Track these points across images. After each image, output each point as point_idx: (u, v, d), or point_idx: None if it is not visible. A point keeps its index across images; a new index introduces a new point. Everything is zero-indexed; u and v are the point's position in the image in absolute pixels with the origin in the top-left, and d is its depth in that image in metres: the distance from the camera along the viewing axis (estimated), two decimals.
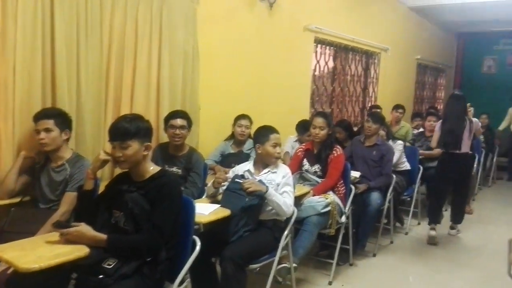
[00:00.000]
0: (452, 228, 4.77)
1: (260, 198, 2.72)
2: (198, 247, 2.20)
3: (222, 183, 2.81)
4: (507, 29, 7.21)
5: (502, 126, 7.74)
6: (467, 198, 5.01)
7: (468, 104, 4.47)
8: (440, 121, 4.53)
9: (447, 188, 4.63)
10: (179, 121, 3.07)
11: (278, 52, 4.46)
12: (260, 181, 2.83)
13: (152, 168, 2.16)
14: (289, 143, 4.43)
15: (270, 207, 2.81)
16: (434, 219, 4.54)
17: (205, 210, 2.58)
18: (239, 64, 4.03)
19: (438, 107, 9.46)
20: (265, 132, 3.02)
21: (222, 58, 3.86)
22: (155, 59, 3.16)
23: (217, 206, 2.70)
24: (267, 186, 2.73)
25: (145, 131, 2.10)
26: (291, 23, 4.55)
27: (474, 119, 4.52)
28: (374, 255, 4.06)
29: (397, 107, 6.01)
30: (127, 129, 2.03)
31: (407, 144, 5.26)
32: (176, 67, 3.31)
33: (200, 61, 3.52)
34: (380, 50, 6.51)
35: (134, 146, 2.03)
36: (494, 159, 7.34)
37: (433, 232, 4.47)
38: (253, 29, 4.09)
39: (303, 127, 4.27)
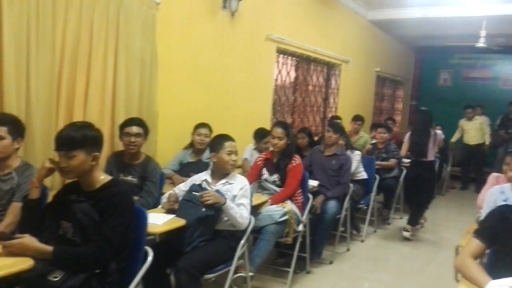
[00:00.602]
0: (406, 230, 4.98)
1: (217, 209, 2.71)
2: (150, 258, 2.16)
3: (174, 205, 2.79)
4: (461, 44, 7.53)
5: (454, 138, 8.06)
6: (429, 203, 5.32)
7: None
8: (409, 133, 5.10)
9: (416, 192, 5.06)
10: (134, 129, 3.00)
11: (240, 61, 4.47)
12: (217, 191, 2.82)
13: (103, 178, 2.11)
14: (248, 151, 4.44)
15: (227, 218, 2.81)
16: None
17: (159, 220, 2.54)
18: (200, 72, 4.01)
19: (396, 119, 9.77)
20: (219, 140, 3.01)
21: (182, 66, 3.83)
22: (111, 65, 3.09)
23: (171, 216, 2.67)
24: (225, 198, 2.73)
25: (93, 140, 2.03)
26: (253, 32, 4.59)
27: (438, 131, 5.02)
28: (331, 263, 4.12)
29: (356, 118, 6.17)
30: (73, 138, 1.96)
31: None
32: (133, 74, 3.24)
33: (159, 68, 3.47)
34: (341, 62, 6.65)
35: (79, 157, 1.97)
36: (448, 169, 7.62)
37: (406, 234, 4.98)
38: (215, 37, 4.09)
39: (260, 135, 4.30)
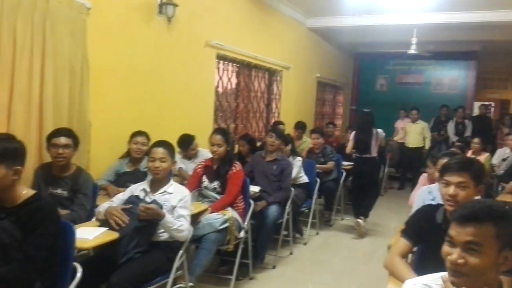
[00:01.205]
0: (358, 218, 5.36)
1: (154, 222, 2.65)
2: (78, 275, 2.07)
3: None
4: (396, 51, 7.89)
5: (398, 138, 8.49)
6: (376, 195, 5.82)
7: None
8: (354, 132, 5.54)
9: (362, 184, 5.44)
10: (62, 140, 2.85)
11: (178, 67, 4.41)
12: (154, 201, 2.76)
13: (25, 192, 1.99)
14: (178, 160, 4.35)
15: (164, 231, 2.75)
16: (357, 212, 5.48)
17: (90, 235, 2.43)
18: (137, 78, 3.91)
19: (337, 123, 10.06)
20: (150, 148, 2.97)
21: (117, 72, 3.72)
22: (37, 74, 2.92)
23: (104, 229, 2.56)
24: (164, 213, 2.66)
25: (14, 154, 1.92)
26: (191, 38, 4.54)
27: (379, 130, 5.46)
28: (274, 267, 4.15)
29: (297, 126, 6.31)
30: None
31: None
32: (62, 82, 3.09)
33: (91, 75, 3.34)
34: (282, 68, 6.75)
35: (0, 171, 1.86)
36: (386, 170, 7.94)
37: (359, 221, 5.29)
38: (151, 43, 4.01)
39: (184, 142, 4.17)
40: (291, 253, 4.56)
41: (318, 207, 5.76)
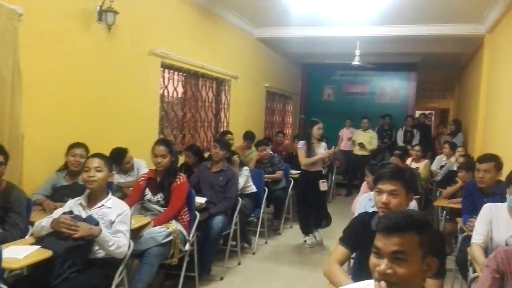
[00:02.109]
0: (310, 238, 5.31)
1: (89, 240, 2.53)
2: None
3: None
4: (342, 62, 8.12)
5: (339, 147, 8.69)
6: (326, 208, 5.50)
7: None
8: (303, 141, 5.23)
9: (310, 198, 5.19)
10: None
11: (120, 76, 4.28)
12: (89, 216, 2.64)
13: None
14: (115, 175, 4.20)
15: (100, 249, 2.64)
16: (308, 229, 5.32)
17: (20, 254, 2.29)
18: (75, 88, 3.75)
19: (286, 132, 10.20)
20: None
21: (54, 81, 3.55)
22: None
23: (36, 247, 2.42)
24: (100, 230, 2.55)
25: None
26: (133, 46, 4.43)
27: (322, 143, 5.28)
28: (221, 279, 4.10)
29: (246, 136, 6.32)
30: None
31: None
32: None
33: (23, 84, 3.15)
34: (230, 77, 6.75)
35: None
36: (333, 177, 8.11)
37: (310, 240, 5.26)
38: (90, 52, 3.87)
39: (116, 157, 3.91)
40: (239, 264, 4.53)
41: (267, 216, 5.79)
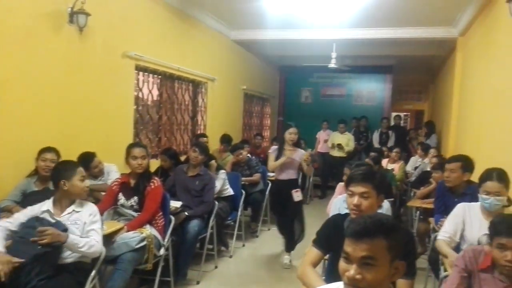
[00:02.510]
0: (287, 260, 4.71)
1: (57, 246, 2.48)
2: None
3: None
4: (319, 64, 8.18)
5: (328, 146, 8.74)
6: (303, 223, 4.76)
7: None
8: (275, 146, 4.78)
9: (283, 211, 4.69)
10: None
11: (93, 79, 4.20)
12: (58, 222, 2.59)
13: None
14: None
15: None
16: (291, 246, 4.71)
17: None
18: (45, 91, 3.66)
19: (265, 134, 10.22)
20: (70, 166, 2.83)
21: (22, 85, 3.45)
22: None
23: None
24: (67, 234, 2.50)
25: None
26: (106, 49, 4.36)
27: (299, 150, 4.63)
28: (198, 283, 4.07)
29: (222, 140, 6.30)
30: None
31: None
32: None
33: None
34: (207, 80, 6.72)
35: None
36: (311, 179, 8.16)
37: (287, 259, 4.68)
38: (61, 54, 3.78)
39: (83, 161, 3.71)
40: (216, 267, 4.50)
41: (245, 219, 5.78)
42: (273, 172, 4.88)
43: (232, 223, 5.06)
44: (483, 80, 4.95)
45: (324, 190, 8.56)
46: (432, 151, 6.25)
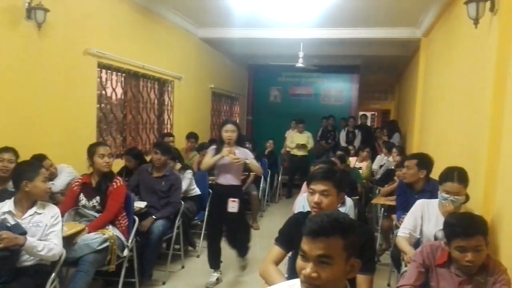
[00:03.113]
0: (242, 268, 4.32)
1: (14, 250, 2.40)
2: None
3: None
4: (287, 64, 8.22)
5: (288, 147, 8.76)
6: (247, 234, 4.36)
7: None
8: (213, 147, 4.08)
9: (217, 221, 4.09)
10: None
11: (52, 77, 4.07)
12: (17, 224, 2.50)
13: None
14: None
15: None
16: (215, 263, 4.14)
17: None
18: (1, 90, 3.53)
19: None
20: (32, 167, 2.77)
21: None
22: None
23: None
24: (25, 237, 2.42)
25: None
26: (67, 46, 4.22)
27: (244, 149, 4.01)
28: (164, 283, 4.02)
29: (189, 136, 6.23)
30: None
31: None
32: None
33: None
34: (174, 78, 6.64)
35: None
36: (280, 178, 8.20)
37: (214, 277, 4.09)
38: (18, 51, 3.64)
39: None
40: (182, 267, 4.46)
41: None
42: (207, 171, 4.38)
43: (200, 222, 5.02)
44: (445, 80, 5.08)
45: (290, 189, 8.57)
46: (394, 150, 6.40)
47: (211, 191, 4.47)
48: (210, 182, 4.87)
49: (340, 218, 1.36)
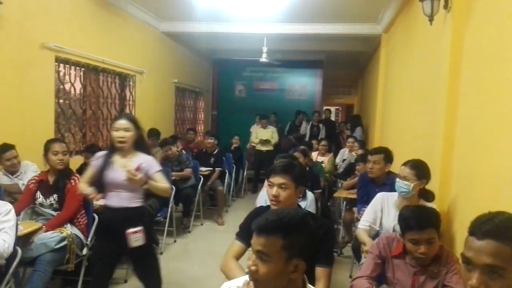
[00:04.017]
0: None
1: None
2: None
3: None
4: (250, 58, 8.21)
5: (253, 142, 8.75)
6: (158, 267, 3.27)
7: None
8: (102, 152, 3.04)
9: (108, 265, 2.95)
10: None
11: (7, 72, 3.90)
12: None
13: None
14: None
15: None
16: None
17: None
18: None
19: (199, 128, 10.13)
20: None
21: None
22: None
23: None
24: None
25: None
26: (22, 40, 4.06)
27: (145, 156, 2.87)
28: (126, 281, 3.97)
29: (149, 133, 6.13)
30: None
31: None
32: None
33: None
34: (135, 73, 6.51)
35: None
36: (245, 174, 8.21)
37: None
38: None
39: None
40: None
41: (177, 215, 5.70)
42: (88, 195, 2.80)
43: (163, 219, 4.96)
44: (403, 75, 5.22)
45: (256, 184, 8.56)
46: (351, 142, 6.55)
47: (96, 216, 3.29)
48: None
49: (286, 219, 1.35)
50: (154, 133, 6.13)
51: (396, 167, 3.64)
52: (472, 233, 1.23)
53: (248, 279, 1.41)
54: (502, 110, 2.20)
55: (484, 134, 2.43)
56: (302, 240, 1.35)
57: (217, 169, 6.43)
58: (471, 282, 1.18)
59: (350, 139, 6.64)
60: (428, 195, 2.90)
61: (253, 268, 1.34)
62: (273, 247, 1.31)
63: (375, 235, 3.02)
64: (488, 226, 1.20)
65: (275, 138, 8.57)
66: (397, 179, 2.87)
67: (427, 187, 2.93)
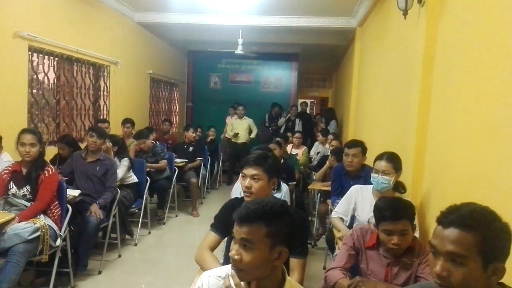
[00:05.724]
0: None
1: None
2: None
3: None
4: (227, 50, 8.18)
5: (227, 134, 8.75)
6: None
7: None
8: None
9: None
10: None
11: None
12: None
13: None
14: None
15: None
16: None
17: None
18: None
19: (174, 120, 10.07)
20: None
21: None
22: None
23: None
24: None
25: None
26: None
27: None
28: (100, 273, 3.95)
29: (124, 121, 6.08)
30: None
31: None
32: None
33: None
34: (110, 63, 6.42)
35: None
36: (220, 165, 8.23)
37: None
38: None
39: None
40: (119, 256, 4.39)
41: (151, 206, 5.70)
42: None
43: (137, 210, 4.96)
44: (377, 69, 5.30)
45: (231, 176, 8.55)
46: (330, 137, 6.65)
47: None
48: None
49: (267, 207, 1.39)
50: (127, 122, 6.06)
51: (369, 160, 3.72)
52: (439, 222, 1.27)
53: (230, 270, 1.41)
54: (475, 104, 2.25)
55: (456, 128, 2.48)
56: (284, 227, 1.39)
57: (198, 159, 6.49)
58: (435, 269, 1.22)
59: (330, 136, 6.71)
60: (399, 187, 2.97)
61: (236, 257, 1.35)
62: (256, 235, 1.34)
63: (348, 227, 3.05)
64: (454, 215, 1.24)
65: (254, 130, 8.58)
66: (376, 175, 2.89)
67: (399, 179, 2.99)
